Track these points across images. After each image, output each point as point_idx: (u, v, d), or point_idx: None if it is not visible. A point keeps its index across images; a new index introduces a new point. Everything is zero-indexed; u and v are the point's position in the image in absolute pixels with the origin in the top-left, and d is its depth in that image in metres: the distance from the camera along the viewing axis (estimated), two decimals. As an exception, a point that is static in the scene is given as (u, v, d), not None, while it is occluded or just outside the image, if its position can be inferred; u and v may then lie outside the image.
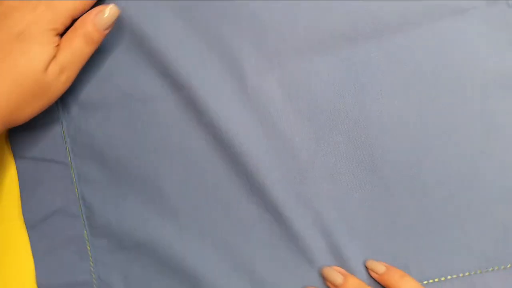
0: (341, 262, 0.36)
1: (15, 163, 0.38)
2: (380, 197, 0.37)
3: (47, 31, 0.34)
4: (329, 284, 0.36)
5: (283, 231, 0.37)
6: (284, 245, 0.37)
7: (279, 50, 0.39)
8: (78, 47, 0.35)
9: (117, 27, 0.39)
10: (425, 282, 0.36)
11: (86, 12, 0.36)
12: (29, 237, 0.38)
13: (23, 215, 0.38)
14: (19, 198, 0.38)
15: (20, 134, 0.38)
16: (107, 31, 0.36)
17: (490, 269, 0.36)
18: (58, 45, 0.34)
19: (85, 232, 0.38)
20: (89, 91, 0.39)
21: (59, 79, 0.35)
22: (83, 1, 0.35)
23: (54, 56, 0.34)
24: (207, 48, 0.39)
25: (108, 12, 0.36)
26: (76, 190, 0.38)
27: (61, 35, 0.35)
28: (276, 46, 0.39)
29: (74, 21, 0.36)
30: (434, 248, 0.36)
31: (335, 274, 0.35)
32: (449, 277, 0.36)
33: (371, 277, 0.36)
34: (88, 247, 0.38)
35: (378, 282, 0.35)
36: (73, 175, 0.38)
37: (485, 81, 0.37)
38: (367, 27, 0.38)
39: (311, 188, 0.37)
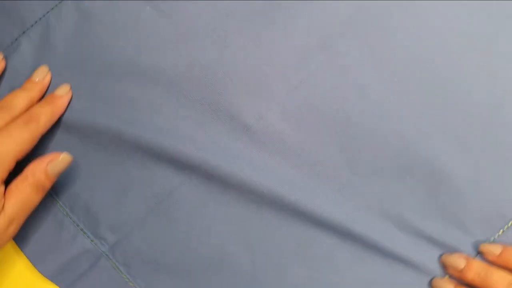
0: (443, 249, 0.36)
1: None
2: (430, 178, 0.36)
3: None
4: (452, 271, 0.34)
5: (365, 247, 0.36)
6: (374, 259, 0.36)
7: (268, 84, 0.38)
8: (28, 197, 0.34)
9: (112, 144, 0.38)
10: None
11: (30, 150, 0.35)
12: None
13: None
14: None
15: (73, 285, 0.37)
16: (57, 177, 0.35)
17: None
18: (3, 193, 0.33)
19: None
20: (114, 213, 0.38)
21: (6, 232, 0.33)
22: (29, 141, 0.34)
23: (2, 208, 0.33)
24: (200, 118, 0.38)
25: (62, 160, 0.35)
26: (154, 309, 0.37)
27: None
28: (263, 81, 0.38)
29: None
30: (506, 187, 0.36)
31: (457, 258, 0.34)
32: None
33: (486, 260, 0.35)
34: None
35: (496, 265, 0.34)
36: None
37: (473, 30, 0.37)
38: (338, 26, 0.38)
39: (365, 194, 0.37)
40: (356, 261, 0.36)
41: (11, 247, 0.38)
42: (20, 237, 0.37)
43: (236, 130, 0.38)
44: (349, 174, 0.37)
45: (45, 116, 0.36)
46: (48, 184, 0.35)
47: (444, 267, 0.35)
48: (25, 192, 0.33)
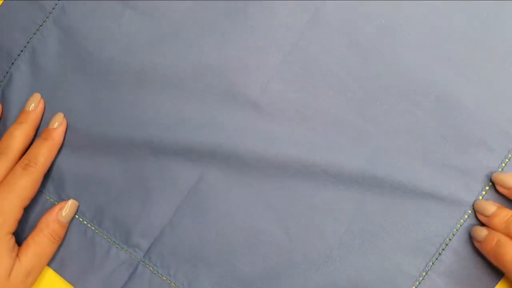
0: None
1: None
2: (439, 105, 0.35)
3: (2, 238, 0.33)
4: (480, 217, 0.33)
5: (392, 190, 0.34)
6: (404, 202, 0.34)
7: (263, 55, 0.37)
8: (45, 248, 0.35)
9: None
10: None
11: (35, 193, 0.36)
12: None
13: None
14: None
15: None
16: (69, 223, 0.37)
17: None
18: (15, 244, 0.34)
19: None
20: (142, 219, 0.37)
21: (25, 282, 0.34)
22: (31, 187, 0.35)
23: (16, 257, 0.33)
24: (206, 105, 0.37)
25: (71, 206, 0.36)
26: None
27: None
28: (258, 54, 0.37)
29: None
30: None
31: (487, 204, 0.33)
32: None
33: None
34: None
35: None
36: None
37: None
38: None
39: (381, 137, 0.35)
40: (387, 208, 0.35)
41: (52, 273, 0.38)
42: (56, 263, 0.37)
43: (243, 108, 0.37)
44: (361, 122, 0.36)
45: (42, 156, 0.36)
46: (62, 232, 0.36)
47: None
48: (42, 244, 0.35)
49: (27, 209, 0.37)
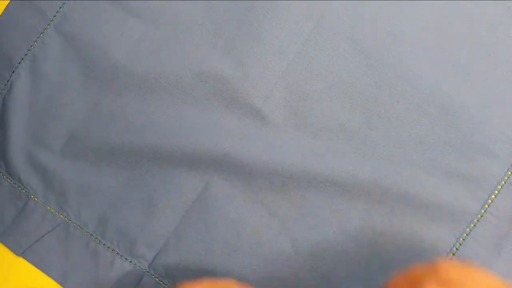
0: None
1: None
2: (444, 113, 0.35)
3: None
4: None
5: (398, 199, 0.35)
6: (409, 212, 0.34)
7: (266, 63, 0.37)
8: None
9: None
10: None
11: None
12: None
13: None
14: None
15: None
16: None
17: None
18: None
19: None
20: (147, 229, 0.37)
21: None
22: None
23: None
24: (211, 113, 0.37)
25: None
26: None
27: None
28: (261, 61, 0.37)
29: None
30: None
31: None
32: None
33: None
34: None
35: None
36: None
37: None
38: None
39: (386, 146, 0.35)
40: (393, 218, 0.34)
41: (56, 285, 0.37)
42: (59, 275, 0.37)
43: (247, 116, 0.37)
44: (367, 130, 0.36)
45: None
46: None
47: None
48: None
49: (26, 220, 0.36)
